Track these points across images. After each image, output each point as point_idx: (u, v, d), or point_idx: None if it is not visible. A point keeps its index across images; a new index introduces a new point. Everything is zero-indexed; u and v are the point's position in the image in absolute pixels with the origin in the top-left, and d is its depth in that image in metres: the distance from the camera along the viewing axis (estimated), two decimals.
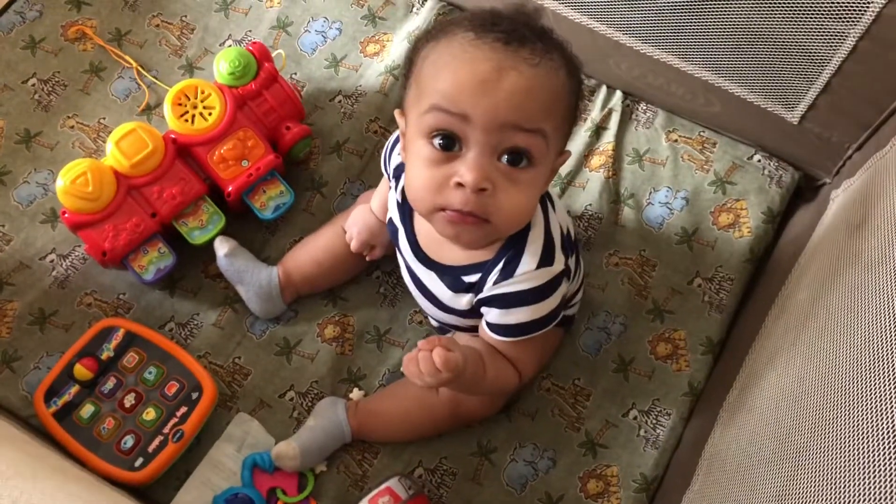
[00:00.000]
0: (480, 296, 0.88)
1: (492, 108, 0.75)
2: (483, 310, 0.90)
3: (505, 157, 0.78)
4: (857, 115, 1.03)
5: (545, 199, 0.90)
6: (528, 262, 0.85)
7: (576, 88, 0.83)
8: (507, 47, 0.76)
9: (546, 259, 0.86)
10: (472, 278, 0.88)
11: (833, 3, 0.92)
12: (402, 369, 0.81)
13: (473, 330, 0.97)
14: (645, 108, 1.24)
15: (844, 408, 0.66)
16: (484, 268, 0.87)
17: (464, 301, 0.91)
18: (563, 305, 0.91)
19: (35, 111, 1.21)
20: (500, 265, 0.86)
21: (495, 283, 0.86)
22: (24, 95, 1.22)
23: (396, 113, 0.88)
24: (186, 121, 1.09)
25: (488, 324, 0.91)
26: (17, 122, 1.20)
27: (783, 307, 0.97)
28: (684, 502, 0.91)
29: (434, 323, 1.06)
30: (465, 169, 0.77)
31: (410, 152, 0.82)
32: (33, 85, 1.23)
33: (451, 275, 0.91)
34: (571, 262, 0.93)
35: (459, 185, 0.78)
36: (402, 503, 0.95)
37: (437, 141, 0.78)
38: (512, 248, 0.86)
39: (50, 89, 1.23)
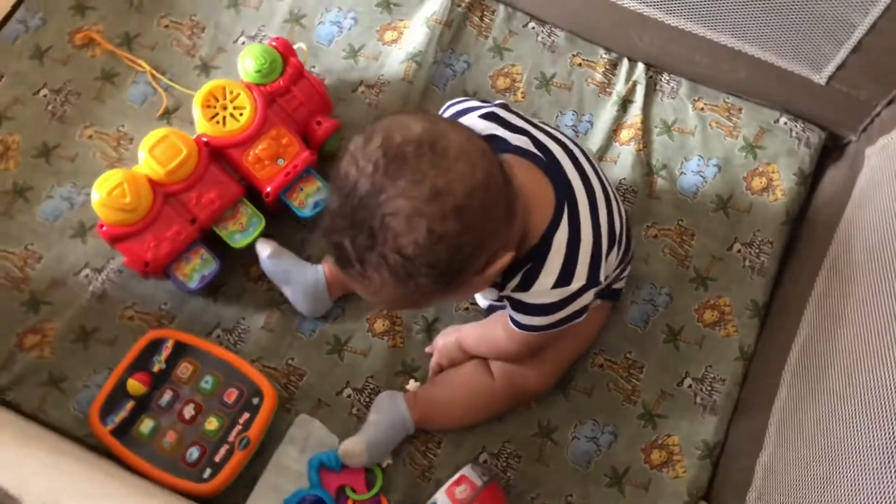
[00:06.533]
0: (502, 293, 0.89)
1: None
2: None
3: None
4: (890, 71, 1.04)
5: (575, 210, 0.85)
6: (544, 280, 0.85)
7: (430, 279, 0.73)
8: (342, 268, 0.76)
9: (563, 279, 0.85)
10: None
11: None
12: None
13: None
14: (668, 78, 1.24)
15: None
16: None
17: None
18: (584, 311, 0.90)
19: (50, 123, 1.17)
20: (519, 277, 0.85)
21: (513, 290, 0.87)
22: (36, 107, 1.18)
23: None
24: (217, 122, 1.06)
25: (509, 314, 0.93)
26: (33, 136, 1.16)
27: (835, 265, 0.98)
28: (758, 466, 0.92)
29: (483, 304, 1.06)
30: None
31: None
32: (45, 96, 1.18)
33: None
34: (613, 255, 0.92)
35: None
36: (478, 490, 0.96)
37: None
38: (530, 262, 0.84)
39: (63, 99, 1.18)
